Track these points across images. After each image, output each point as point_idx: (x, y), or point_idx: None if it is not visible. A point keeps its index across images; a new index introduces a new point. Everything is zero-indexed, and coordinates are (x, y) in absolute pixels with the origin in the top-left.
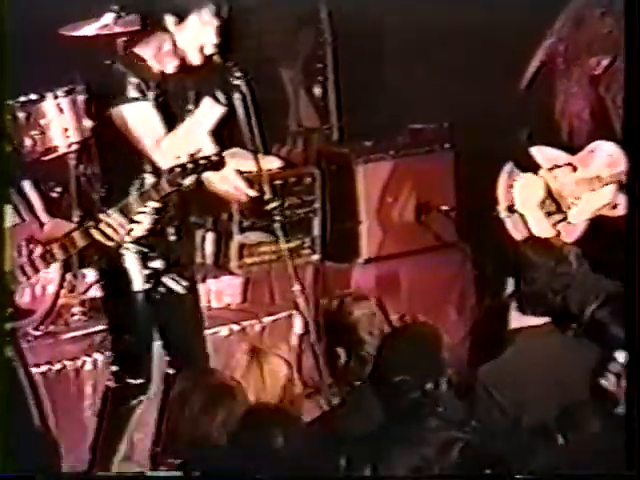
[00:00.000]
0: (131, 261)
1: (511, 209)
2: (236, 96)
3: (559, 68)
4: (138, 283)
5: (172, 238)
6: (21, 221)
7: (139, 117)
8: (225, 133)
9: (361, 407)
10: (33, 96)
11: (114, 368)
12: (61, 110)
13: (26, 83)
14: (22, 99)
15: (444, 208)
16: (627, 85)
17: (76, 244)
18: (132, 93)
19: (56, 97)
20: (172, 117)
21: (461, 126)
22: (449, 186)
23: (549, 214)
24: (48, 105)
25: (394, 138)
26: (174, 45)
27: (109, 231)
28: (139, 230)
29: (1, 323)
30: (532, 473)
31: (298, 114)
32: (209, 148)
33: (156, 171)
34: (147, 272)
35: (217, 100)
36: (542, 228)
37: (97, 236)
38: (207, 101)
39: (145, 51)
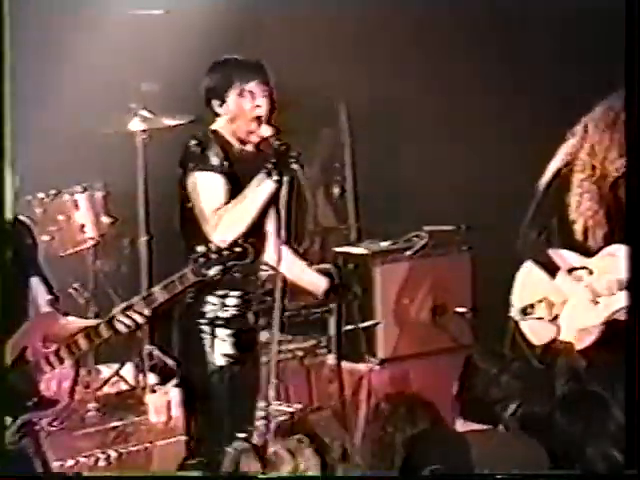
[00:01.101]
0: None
1: (526, 311)
2: (285, 180)
3: (577, 169)
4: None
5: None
6: (42, 313)
7: (208, 185)
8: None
9: None
10: (51, 192)
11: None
12: (78, 206)
13: (44, 179)
14: (40, 195)
15: (460, 310)
16: (627, 89)
17: (101, 335)
18: (213, 160)
19: (73, 193)
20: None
21: (477, 227)
22: (465, 288)
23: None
24: (65, 201)
25: (411, 239)
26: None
27: (128, 321)
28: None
29: None
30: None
31: (316, 213)
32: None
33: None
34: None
35: (271, 176)
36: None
37: (118, 325)
38: (262, 176)
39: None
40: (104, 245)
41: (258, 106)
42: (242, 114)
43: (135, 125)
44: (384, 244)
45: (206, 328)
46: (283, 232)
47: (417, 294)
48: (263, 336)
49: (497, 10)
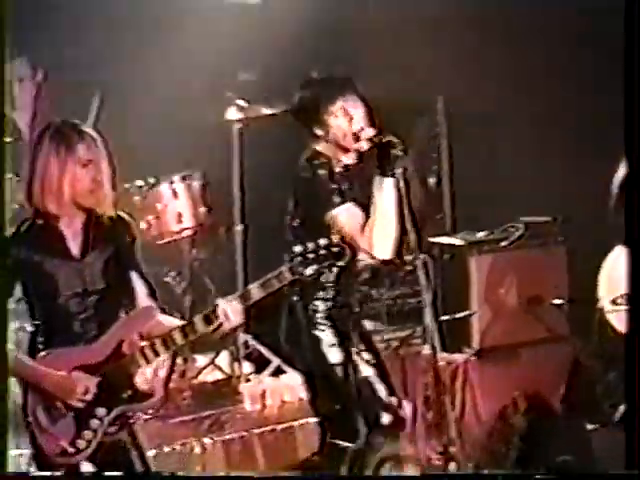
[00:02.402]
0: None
1: (615, 302)
2: (398, 171)
3: None
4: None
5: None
6: (141, 306)
7: (345, 216)
8: None
9: None
10: (150, 180)
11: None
12: (176, 195)
13: (143, 167)
14: (138, 183)
15: (557, 301)
16: (627, 89)
17: (197, 330)
18: (335, 198)
19: (172, 182)
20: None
21: (573, 219)
22: (561, 279)
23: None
24: (164, 190)
25: (507, 230)
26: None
27: (224, 319)
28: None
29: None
30: (532, 473)
31: (411, 203)
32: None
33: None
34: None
35: (385, 174)
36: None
37: (213, 323)
38: (378, 178)
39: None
40: (201, 234)
41: (354, 121)
42: (341, 132)
43: (232, 114)
44: (480, 234)
45: (314, 318)
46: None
47: (513, 285)
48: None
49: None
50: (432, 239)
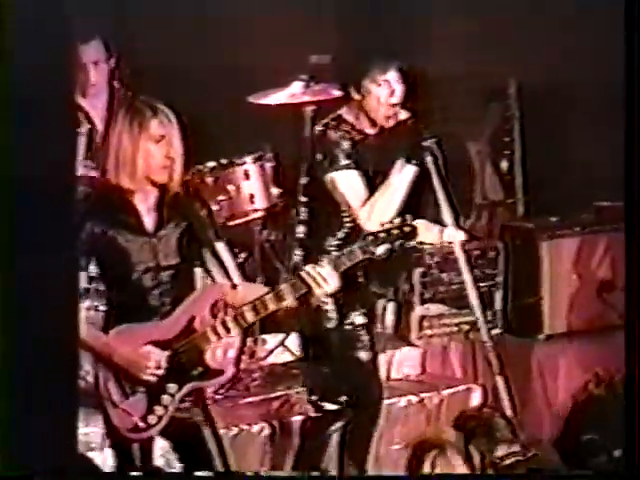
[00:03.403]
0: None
1: None
2: (429, 160)
3: None
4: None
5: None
6: (213, 282)
7: (347, 182)
8: (410, 204)
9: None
10: (222, 161)
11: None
12: (248, 176)
13: (215, 148)
14: (211, 164)
15: None
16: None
17: (267, 307)
18: (342, 160)
19: (244, 163)
20: (372, 180)
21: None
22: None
23: None
24: (236, 171)
25: (580, 215)
26: (364, 113)
27: (295, 296)
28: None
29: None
30: (533, 473)
31: (484, 187)
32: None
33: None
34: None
35: (410, 161)
36: None
37: (284, 300)
38: (401, 162)
39: (348, 117)
40: (272, 216)
41: (395, 94)
42: (378, 102)
43: (304, 96)
44: (552, 219)
45: None
46: (446, 209)
47: (585, 270)
48: (430, 309)
49: None
50: (504, 223)
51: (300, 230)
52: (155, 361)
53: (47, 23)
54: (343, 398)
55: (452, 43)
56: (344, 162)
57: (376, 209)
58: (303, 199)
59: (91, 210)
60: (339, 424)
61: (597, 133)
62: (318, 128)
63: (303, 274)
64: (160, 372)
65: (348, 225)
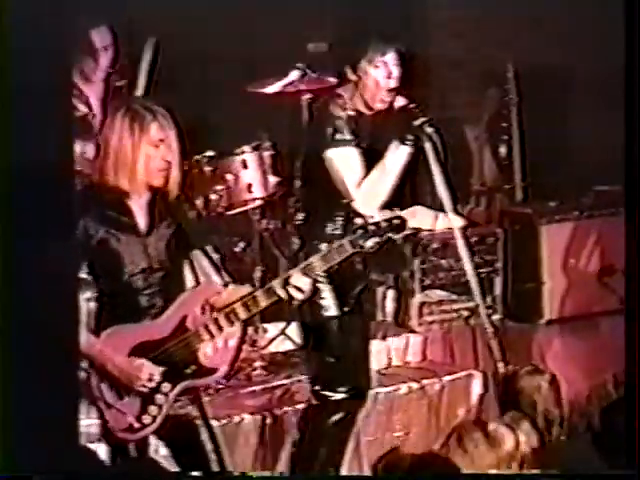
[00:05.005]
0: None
1: None
2: (427, 146)
3: None
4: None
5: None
6: (200, 284)
7: (344, 160)
8: (407, 190)
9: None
10: (220, 151)
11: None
12: (246, 166)
13: (213, 138)
14: (209, 154)
15: None
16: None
17: (259, 304)
18: (339, 135)
19: (242, 153)
20: (369, 160)
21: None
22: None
23: None
24: (234, 160)
25: (578, 199)
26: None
27: (286, 293)
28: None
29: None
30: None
31: (482, 173)
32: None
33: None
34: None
35: (405, 142)
36: None
37: (275, 297)
38: (396, 143)
39: (345, 94)
40: (271, 204)
41: (392, 77)
42: (375, 84)
43: (301, 84)
44: (551, 204)
45: None
46: (444, 194)
47: (584, 255)
48: (431, 296)
49: None
50: (503, 209)
51: (298, 217)
52: (148, 374)
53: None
54: (344, 388)
55: (451, 27)
56: (341, 137)
57: (370, 190)
58: (299, 184)
59: (86, 210)
60: (340, 415)
61: (595, 117)
62: (316, 105)
63: (275, 286)
64: (153, 385)
65: (342, 214)
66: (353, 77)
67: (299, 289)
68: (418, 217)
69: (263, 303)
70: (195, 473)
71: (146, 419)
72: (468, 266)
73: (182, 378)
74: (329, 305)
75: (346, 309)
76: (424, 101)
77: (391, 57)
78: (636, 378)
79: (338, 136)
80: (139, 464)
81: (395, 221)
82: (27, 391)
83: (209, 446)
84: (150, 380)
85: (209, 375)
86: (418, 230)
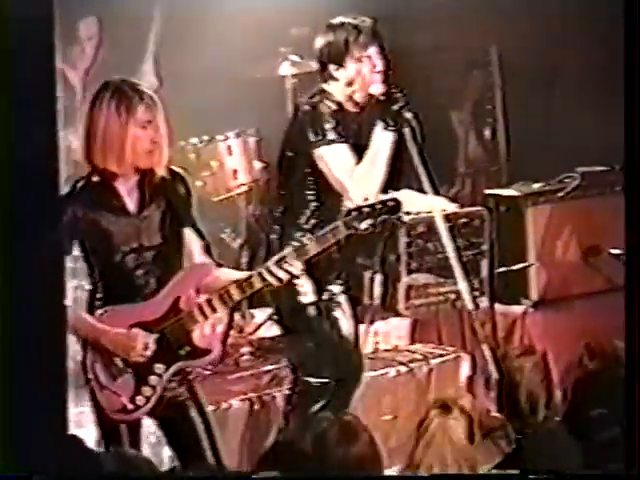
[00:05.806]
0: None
1: None
2: (406, 130)
3: None
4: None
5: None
6: (194, 265)
7: (335, 157)
8: (394, 175)
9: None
10: (204, 137)
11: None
12: (231, 152)
13: (197, 124)
14: (193, 140)
15: (615, 251)
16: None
17: (253, 285)
18: (330, 135)
19: (226, 139)
20: (359, 153)
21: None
22: (620, 229)
23: None
24: (219, 146)
25: (563, 181)
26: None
27: (282, 274)
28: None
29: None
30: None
31: (467, 156)
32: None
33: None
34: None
35: (387, 127)
36: None
37: (270, 278)
38: (379, 129)
39: (331, 91)
40: (256, 190)
41: (376, 70)
42: (361, 78)
43: (285, 69)
44: (536, 186)
45: None
46: (424, 178)
47: (570, 235)
48: (417, 279)
49: None
50: (488, 191)
51: (279, 206)
52: (143, 343)
53: None
54: (327, 374)
55: (433, 11)
56: (331, 137)
57: (362, 179)
58: (281, 175)
59: (73, 193)
60: (323, 401)
61: (580, 100)
62: (302, 101)
63: (270, 267)
64: (148, 354)
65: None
66: (337, 74)
67: (290, 272)
68: (407, 200)
69: (258, 285)
70: (195, 473)
71: (140, 400)
72: (450, 248)
73: (176, 359)
74: (306, 291)
75: (324, 296)
76: (406, 86)
77: (374, 51)
78: (636, 378)
79: (328, 135)
80: (137, 464)
81: (390, 203)
82: (27, 391)
83: (200, 428)
84: (146, 349)
85: (203, 356)
86: (407, 213)
